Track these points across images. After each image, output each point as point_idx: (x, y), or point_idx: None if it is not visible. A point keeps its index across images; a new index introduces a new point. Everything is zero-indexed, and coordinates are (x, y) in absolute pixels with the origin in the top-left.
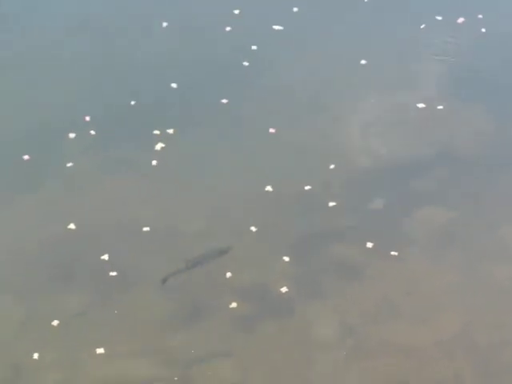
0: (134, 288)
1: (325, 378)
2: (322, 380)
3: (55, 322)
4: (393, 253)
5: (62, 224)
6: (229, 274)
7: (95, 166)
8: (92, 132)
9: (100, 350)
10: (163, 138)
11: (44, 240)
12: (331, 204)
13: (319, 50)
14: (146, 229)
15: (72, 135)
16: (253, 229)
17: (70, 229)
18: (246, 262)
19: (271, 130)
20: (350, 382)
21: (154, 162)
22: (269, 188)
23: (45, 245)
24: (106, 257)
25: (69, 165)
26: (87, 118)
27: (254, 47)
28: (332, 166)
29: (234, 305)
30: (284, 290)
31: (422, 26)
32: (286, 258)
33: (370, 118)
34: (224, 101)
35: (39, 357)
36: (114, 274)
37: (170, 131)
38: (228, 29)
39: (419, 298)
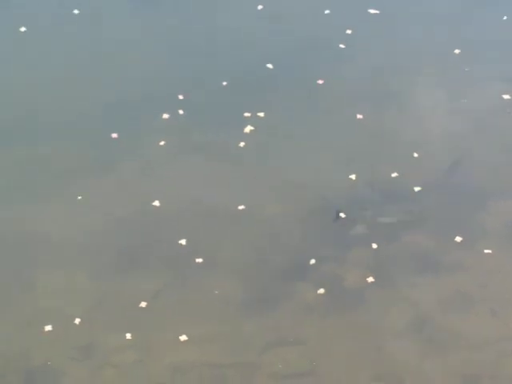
0: (211, 271)
1: (396, 368)
2: (393, 370)
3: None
4: (469, 244)
5: (143, 204)
6: (312, 261)
7: (183, 146)
8: (182, 111)
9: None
10: (253, 120)
11: (123, 219)
12: (416, 190)
13: (415, 36)
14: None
15: (162, 114)
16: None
17: (150, 209)
18: (325, 251)
19: (359, 116)
20: (421, 373)
21: (242, 144)
22: (352, 176)
23: (123, 224)
24: (184, 239)
25: (156, 143)
26: (180, 97)
27: (348, 31)
28: (416, 155)
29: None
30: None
31: None
32: (362, 246)
33: (460, 109)
34: (320, 81)
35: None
36: (192, 256)
37: (261, 114)
38: (327, 12)
39: (494, 291)
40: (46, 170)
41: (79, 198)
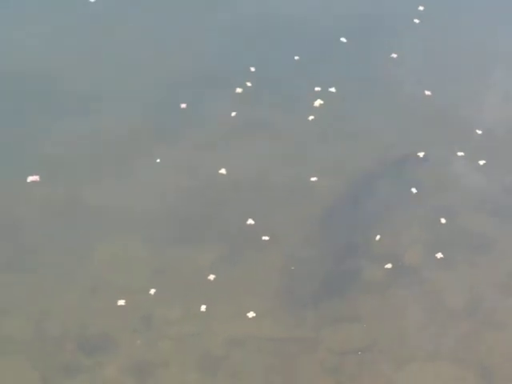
0: (276, 246)
1: (452, 347)
2: (450, 349)
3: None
4: None
5: (210, 175)
6: (378, 237)
7: (252, 118)
8: (253, 84)
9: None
10: (324, 94)
11: (189, 189)
12: (480, 165)
13: (492, 14)
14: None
15: (233, 86)
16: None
17: (217, 180)
18: (377, 227)
19: (427, 93)
20: (477, 353)
21: (311, 118)
22: (420, 154)
23: (189, 194)
24: (251, 215)
25: (227, 115)
26: (252, 69)
27: (421, 7)
28: (480, 132)
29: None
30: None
31: None
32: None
33: None
34: (394, 55)
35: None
36: (257, 231)
37: (332, 89)
38: None
39: None
40: (112, 140)
41: (145, 168)
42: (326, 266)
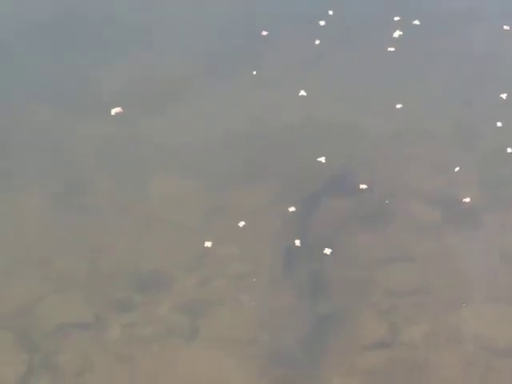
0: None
1: (510, 289)
2: (507, 292)
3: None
4: None
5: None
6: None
7: (333, 47)
8: (335, 13)
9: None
10: (404, 25)
11: (237, 132)
12: None
13: None
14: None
15: (316, 18)
16: (445, 133)
17: (259, 123)
18: (433, 166)
19: (505, 27)
20: None
21: (391, 49)
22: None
23: (240, 136)
24: (322, 154)
25: (311, 43)
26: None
27: None
28: None
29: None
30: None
31: None
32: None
33: None
34: None
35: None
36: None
37: (416, 22)
38: None
39: None
40: (165, 79)
41: (196, 108)
42: (376, 204)
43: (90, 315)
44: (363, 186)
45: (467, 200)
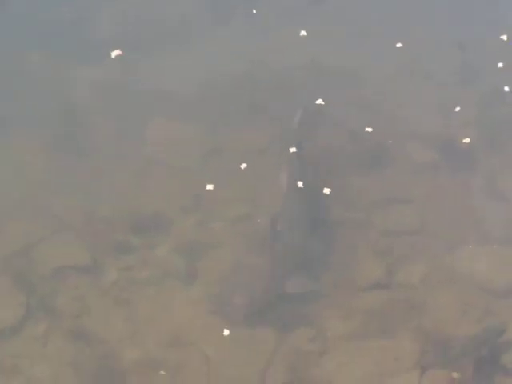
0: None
1: (505, 230)
2: (502, 232)
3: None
4: None
5: (255, 61)
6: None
7: None
8: None
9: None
10: None
11: (237, 74)
12: None
13: None
14: None
15: None
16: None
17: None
18: (432, 108)
19: None
20: None
21: None
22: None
23: (237, 79)
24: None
25: None
26: None
27: None
28: None
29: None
30: (467, 140)
31: None
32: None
33: None
34: None
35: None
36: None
37: None
38: None
39: None
40: (165, 21)
41: (196, 50)
42: (376, 147)
43: (88, 258)
44: (364, 128)
45: (467, 141)
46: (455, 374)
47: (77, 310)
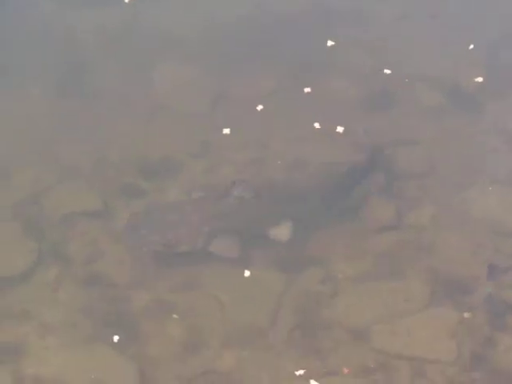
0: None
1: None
2: (507, 172)
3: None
4: None
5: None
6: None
7: None
8: None
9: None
10: None
11: (239, 17)
12: None
13: None
14: None
15: None
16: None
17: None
18: (440, 50)
19: None
20: None
21: None
22: None
23: (239, 23)
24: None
25: None
26: None
27: None
28: None
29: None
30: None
31: None
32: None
33: None
34: None
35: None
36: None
37: None
38: None
39: None
40: None
41: None
42: (380, 90)
43: (98, 203)
44: (378, 70)
45: (479, 80)
46: (466, 315)
47: (88, 255)
